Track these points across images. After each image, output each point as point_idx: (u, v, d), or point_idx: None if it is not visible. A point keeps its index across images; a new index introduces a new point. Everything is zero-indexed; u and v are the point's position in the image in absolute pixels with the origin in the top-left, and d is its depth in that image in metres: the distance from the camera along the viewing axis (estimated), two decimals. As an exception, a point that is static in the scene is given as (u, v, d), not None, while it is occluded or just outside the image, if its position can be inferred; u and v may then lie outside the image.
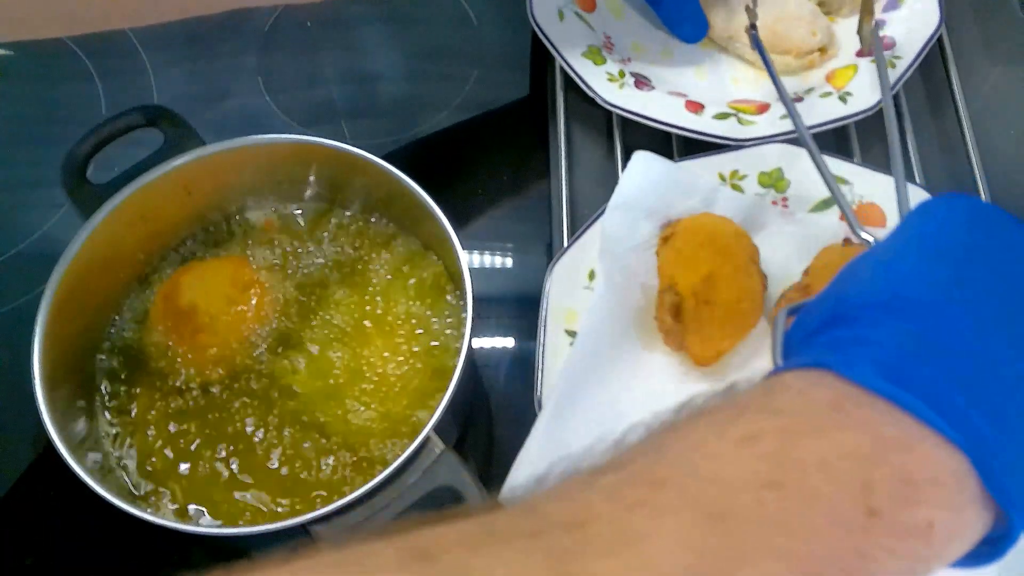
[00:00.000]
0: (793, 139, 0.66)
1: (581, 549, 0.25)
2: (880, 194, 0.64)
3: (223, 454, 0.55)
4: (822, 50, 0.73)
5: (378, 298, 0.60)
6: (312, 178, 0.62)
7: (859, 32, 0.71)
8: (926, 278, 0.31)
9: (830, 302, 0.33)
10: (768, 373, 0.32)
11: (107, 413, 0.57)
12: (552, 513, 0.26)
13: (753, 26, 0.71)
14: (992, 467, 0.28)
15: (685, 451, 0.28)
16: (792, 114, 0.64)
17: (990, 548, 0.30)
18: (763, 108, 0.70)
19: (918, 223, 0.35)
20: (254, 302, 0.59)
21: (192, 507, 0.54)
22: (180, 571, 0.30)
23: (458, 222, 0.56)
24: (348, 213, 0.63)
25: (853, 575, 0.26)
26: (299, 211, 0.64)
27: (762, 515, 0.26)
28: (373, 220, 0.63)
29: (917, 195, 0.64)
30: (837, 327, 0.31)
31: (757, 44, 0.71)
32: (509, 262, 0.71)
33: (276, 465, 0.55)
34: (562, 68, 0.72)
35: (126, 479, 0.55)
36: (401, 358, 0.58)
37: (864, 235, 0.54)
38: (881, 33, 0.74)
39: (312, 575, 0.25)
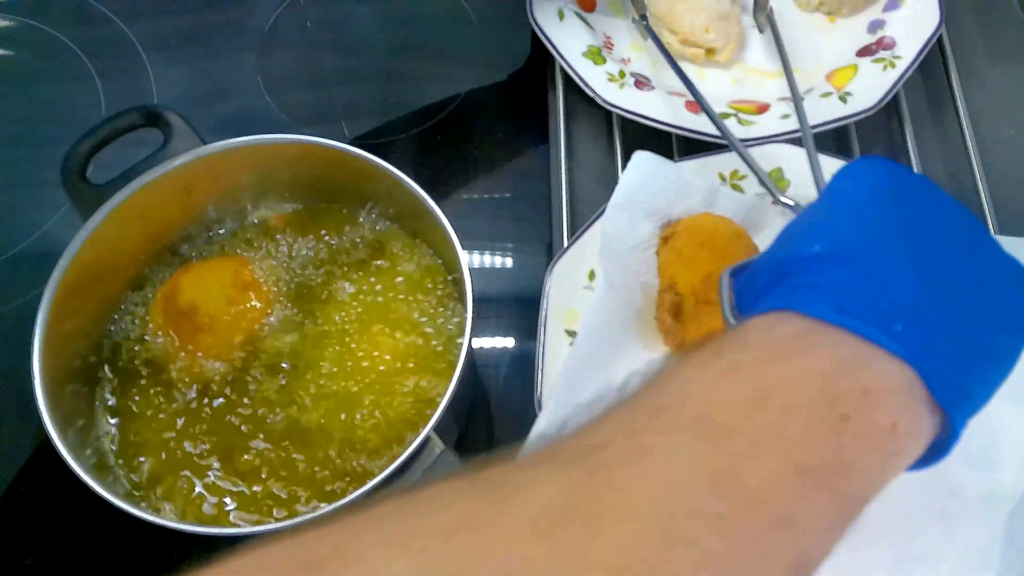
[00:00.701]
0: (793, 139, 0.67)
1: (606, 464, 0.30)
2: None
3: (223, 453, 0.55)
4: (710, 51, 0.74)
5: (378, 298, 0.60)
6: (312, 178, 0.62)
7: (755, 16, 0.72)
8: (856, 231, 0.37)
9: (777, 260, 0.38)
10: (735, 324, 0.37)
11: (107, 413, 0.57)
12: (576, 444, 0.31)
13: (643, 16, 0.74)
14: (933, 374, 0.33)
15: (678, 384, 0.33)
16: (698, 98, 0.66)
17: (938, 450, 0.35)
18: (763, 108, 0.70)
19: (841, 185, 0.39)
20: (254, 302, 0.59)
21: (192, 505, 0.54)
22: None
23: (458, 222, 0.56)
24: (348, 213, 0.63)
25: (834, 469, 0.31)
26: (299, 211, 0.64)
27: (751, 425, 0.31)
28: (373, 220, 0.63)
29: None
30: (788, 278, 0.36)
31: (650, 32, 0.73)
32: (509, 262, 0.71)
33: (276, 465, 0.55)
34: (562, 68, 0.72)
35: (126, 479, 0.55)
36: (401, 358, 0.58)
37: (783, 199, 0.56)
38: (881, 33, 0.74)
39: (399, 517, 0.29)
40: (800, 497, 0.30)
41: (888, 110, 0.71)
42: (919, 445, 0.34)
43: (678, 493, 0.29)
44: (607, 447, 0.30)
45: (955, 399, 0.34)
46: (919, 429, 0.34)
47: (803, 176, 0.65)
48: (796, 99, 0.65)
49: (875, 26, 0.75)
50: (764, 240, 0.62)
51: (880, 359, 0.33)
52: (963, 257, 0.37)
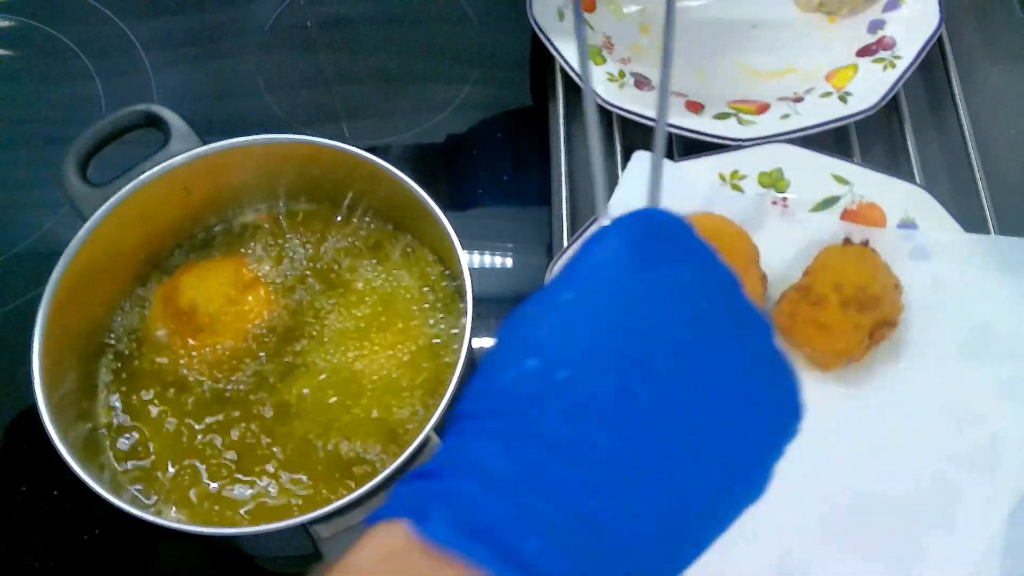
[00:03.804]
0: (793, 139, 0.67)
1: None
2: (880, 194, 0.64)
3: (223, 453, 0.55)
4: None
5: (378, 298, 0.60)
6: (312, 178, 0.62)
7: None
8: (560, 352, 0.30)
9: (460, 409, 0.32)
10: (363, 521, 0.31)
11: (108, 413, 0.57)
12: None
13: None
14: None
15: None
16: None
17: None
18: (763, 108, 0.70)
19: (569, 278, 0.34)
20: (254, 302, 0.59)
21: (192, 506, 0.54)
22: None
23: (458, 222, 0.56)
24: (348, 213, 0.63)
25: None
26: (299, 211, 0.64)
27: None
28: (373, 220, 0.63)
29: (918, 195, 0.64)
30: (439, 455, 0.30)
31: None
32: (509, 262, 0.71)
33: (276, 465, 0.55)
34: (562, 68, 0.72)
35: (126, 479, 0.55)
36: (401, 358, 0.58)
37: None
38: (881, 33, 0.74)
39: None
40: None
41: (888, 110, 0.71)
42: None
43: None
44: None
45: None
46: None
47: (803, 176, 0.65)
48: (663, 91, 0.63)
49: (875, 26, 0.75)
50: (764, 240, 0.62)
51: None
52: (709, 351, 0.31)
